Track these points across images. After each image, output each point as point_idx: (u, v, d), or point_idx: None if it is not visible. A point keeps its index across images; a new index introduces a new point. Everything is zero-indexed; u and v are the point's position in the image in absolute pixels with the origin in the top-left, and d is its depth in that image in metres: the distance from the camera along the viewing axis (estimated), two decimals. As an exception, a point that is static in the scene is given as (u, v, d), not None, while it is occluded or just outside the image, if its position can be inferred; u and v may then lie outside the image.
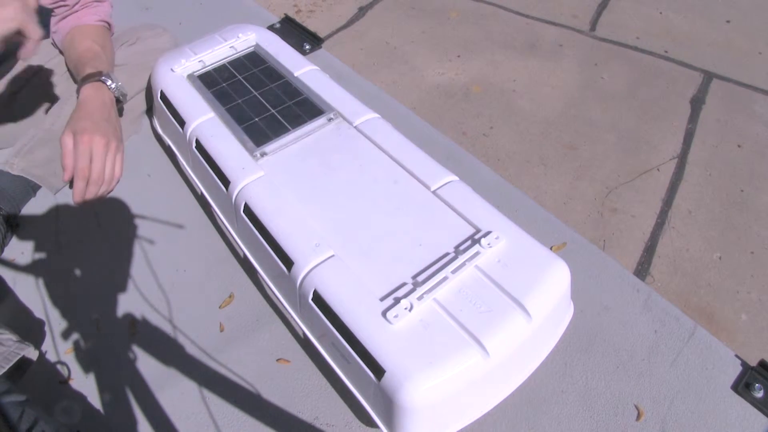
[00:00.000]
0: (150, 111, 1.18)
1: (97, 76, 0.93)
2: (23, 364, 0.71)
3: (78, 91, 0.92)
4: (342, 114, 0.92)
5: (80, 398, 0.79)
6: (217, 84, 1.00)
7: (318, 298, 0.69)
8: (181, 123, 0.95)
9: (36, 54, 0.78)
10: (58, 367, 0.83)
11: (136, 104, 1.14)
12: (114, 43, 1.10)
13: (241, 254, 0.92)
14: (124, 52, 1.10)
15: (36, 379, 0.79)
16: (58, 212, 1.04)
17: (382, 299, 0.67)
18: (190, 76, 1.02)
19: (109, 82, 0.94)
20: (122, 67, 1.09)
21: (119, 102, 0.97)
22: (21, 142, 1.02)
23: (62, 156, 0.85)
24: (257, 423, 0.76)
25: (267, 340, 0.85)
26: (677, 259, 1.01)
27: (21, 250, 0.98)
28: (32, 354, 0.71)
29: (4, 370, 0.66)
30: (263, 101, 0.95)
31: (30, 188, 1.04)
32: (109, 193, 0.92)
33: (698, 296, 0.96)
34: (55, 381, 0.81)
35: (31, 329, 0.86)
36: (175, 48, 1.17)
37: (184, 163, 1.01)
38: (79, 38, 1.00)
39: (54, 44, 1.08)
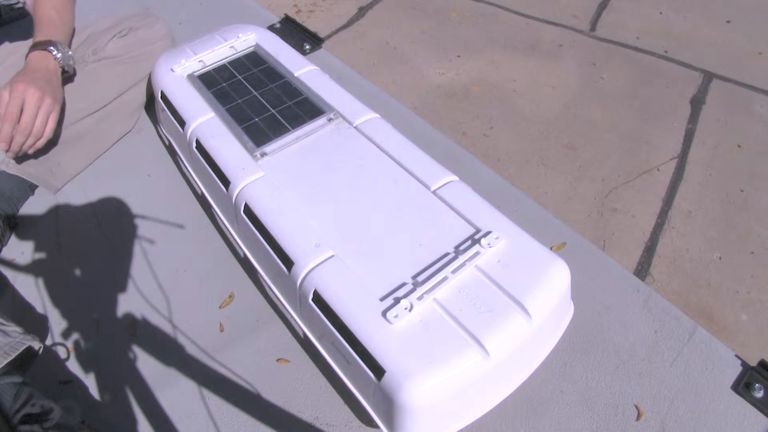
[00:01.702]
0: (150, 107, 1.18)
1: (45, 45, 0.94)
2: (28, 357, 0.72)
3: (26, 57, 0.95)
4: (342, 114, 0.92)
5: (80, 398, 0.79)
6: (217, 84, 1.00)
7: (318, 298, 0.69)
8: (182, 123, 0.95)
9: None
10: (58, 348, 0.83)
11: (132, 97, 1.14)
12: (106, 34, 1.09)
13: (241, 254, 0.92)
14: (117, 44, 1.09)
15: (36, 378, 0.79)
16: (58, 212, 1.04)
17: (382, 299, 0.67)
18: (190, 76, 1.02)
19: (54, 52, 0.95)
20: (116, 59, 1.09)
21: (65, 72, 0.99)
22: None
23: None
24: (257, 423, 0.76)
25: (267, 340, 0.85)
26: (677, 259, 1.01)
27: (21, 250, 0.98)
28: (37, 346, 0.72)
29: (10, 359, 0.66)
30: (263, 101, 0.95)
31: (27, 188, 1.04)
32: (36, 149, 0.94)
33: (698, 296, 0.96)
34: (55, 381, 0.81)
35: (30, 330, 0.86)
36: (169, 36, 1.17)
37: (185, 162, 1.01)
38: (39, 3, 1.01)
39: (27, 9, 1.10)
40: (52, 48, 0.95)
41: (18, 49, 1.07)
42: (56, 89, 0.94)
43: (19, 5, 1.19)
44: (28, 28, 1.03)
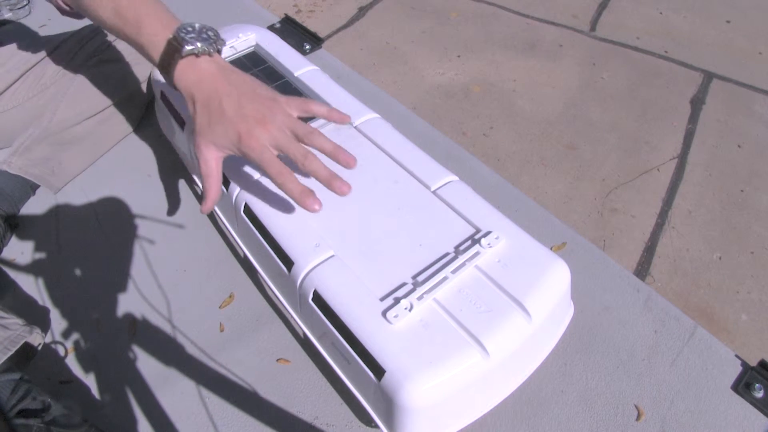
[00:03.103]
0: (151, 107, 1.18)
1: (170, 53, 0.62)
2: (29, 351, 0.72)
3: (172, 83, 0.64)
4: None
5: (80, 398, 0.79)
6: (217, 84, 0.99)
7: (318, 298, 0.69)
8: (181, 123, 0.95)
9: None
10: (58, 347, 0.84)
11: (133, 98, 1.14)
12: (106, 35, 1.09)
13: (241, 254, 0.92)
14: (118, 45, 1.09)
15: (36, 378, 0.79)
16: (58, 212, 1.04)
17: (382, 299, 0.67)
18: (190, 76, 1.01)
19: (189, 46, 0.61)
20: (117, 60, 1.09)
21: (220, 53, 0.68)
22: (18, 141, 1.02)
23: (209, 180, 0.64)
24: (257, 423, 0.76)
25: (267, 340, 0.85)
26: (677, 259, 1.01)
27: (21, 250, 0.98)
28: (38, 339, 0.72)
29: (10, 353, 0.66)
30: (263, 101, 0.95)
31: (29, 187, 1.04)
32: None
33: (698, 296, 0.96)
34: (55, 381, 0.81)
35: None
36: None
37: (185, 163, 1.01)
38: None
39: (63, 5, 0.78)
40: (181, 40, 0.61)
41: (20, 50, 1.06)
42: (258, 87, 0.64)
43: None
44: (31, 27, 1.01)
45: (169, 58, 0.62)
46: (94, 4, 0.67)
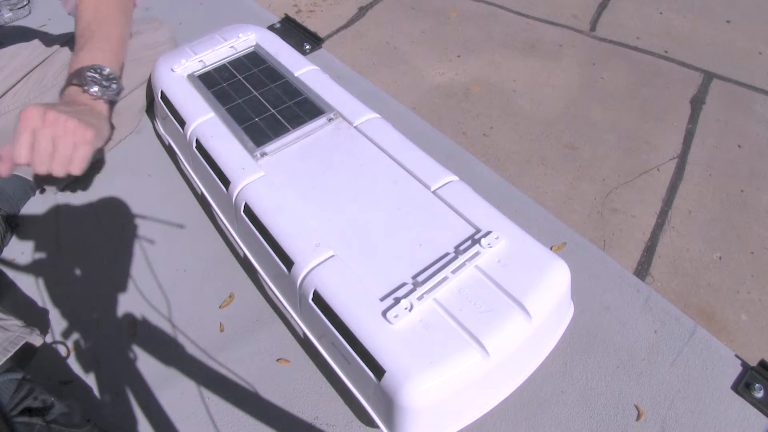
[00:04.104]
0: (151, 108, 1.18)
1: (80, 77, 0.77)
2: (29, 351, 0.72)
3: (61, 91, 0.80)
4: (342, 114, 0.92)
5: (80, 398, 0.79)
6: (218, 84, 1.00)
7: (318, 298, 0.69)
8: (182, 123, 0.95)
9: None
10: (59, 347, 0.84)
11: (134, 100, 1.14)
12: None
13: (241, 254, 0.92)
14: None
15: (36, 378, 0.79)
16: (58, 212, 1.04)
17: (382, 299, 0.67)
18: (191, 76, 1.02)
19: (92, 88, 0.76)
20: None
21: (113, 103, 0.82)
22: None
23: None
24: (257, 423, 0.76)
25: (267, 340, 0.85)
26: (677, 259, 1.01)
27: (21, 250, 0.98)
28: (38, 340, 0.72)
29: (10, 354, 0.66)
30: (263, 101, 0.95)
31: (29, 188, 1.04)
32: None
33: (698, 296, 0.96)
34: (55, 381, 0.81)
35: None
36: (172, 40, 1.16)
37: (185, 162, 1.01)
38: (81, 7, 0.84)
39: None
40: (87, 84, 0.76)
41: (21, 51, 1.06)
42: (97, 121, 0.74)
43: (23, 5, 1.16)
44: (31, 27, 1.01)
45: (70, 79, 0.78)
46: (78, 13, 0.85)
